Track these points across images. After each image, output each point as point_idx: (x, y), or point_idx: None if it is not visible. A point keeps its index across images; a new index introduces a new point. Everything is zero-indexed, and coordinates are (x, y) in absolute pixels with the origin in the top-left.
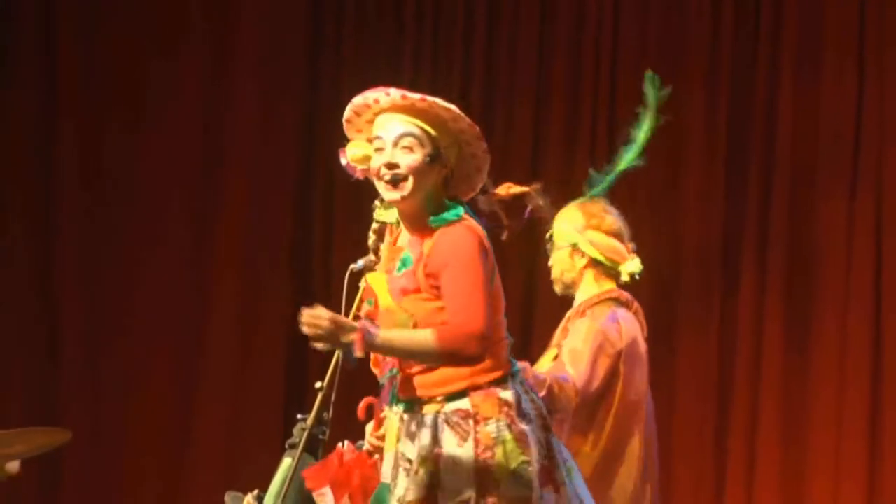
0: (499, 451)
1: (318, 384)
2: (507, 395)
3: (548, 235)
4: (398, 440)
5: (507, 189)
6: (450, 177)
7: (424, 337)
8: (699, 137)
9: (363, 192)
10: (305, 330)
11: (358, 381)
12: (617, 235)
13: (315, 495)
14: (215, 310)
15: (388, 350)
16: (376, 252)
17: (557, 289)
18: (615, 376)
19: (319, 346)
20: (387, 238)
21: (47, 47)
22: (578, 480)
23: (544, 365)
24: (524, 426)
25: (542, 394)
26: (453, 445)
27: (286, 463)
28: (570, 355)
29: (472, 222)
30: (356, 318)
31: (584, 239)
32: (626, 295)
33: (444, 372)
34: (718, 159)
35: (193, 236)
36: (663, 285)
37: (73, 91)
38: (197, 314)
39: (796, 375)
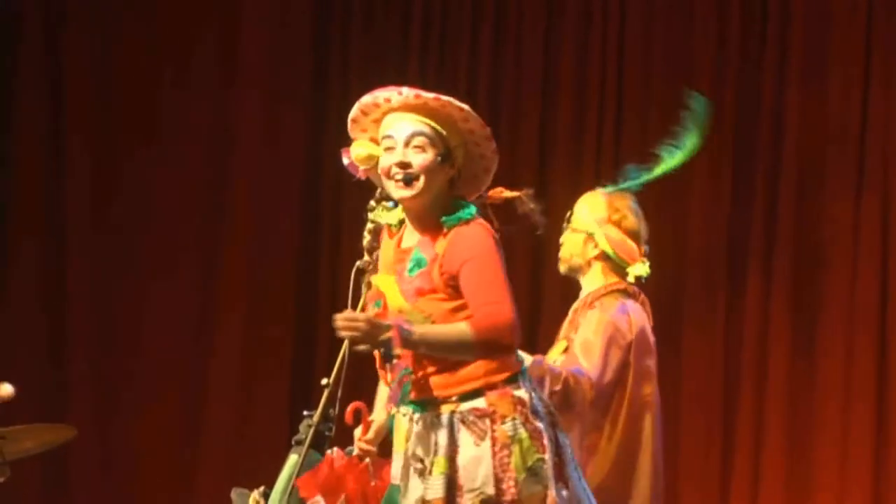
0: (515, 450)
1: (324, 381)
2: (521, 393)
3: (568, 214)
4: (407, 440)
5: (499, 193)
6: (456, 177)
7: (460, 329)
8: (706, 140)
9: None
10: (343, 333)
11: (362, 379)
12: (634, 236)
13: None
14: (223, 308)
15: (425, 345)
16: (371, 253)
17: (562, 268)
18: (626, 367)
19: (361, 348)
20: (385, 240)
21: (56, 64)
22: (581, 476)
23: (553, 357)
24: (538, 424)
25: (559, 388)
26: (470, 445)
27: (292, 459)
28: (581, 347)
29: (483, 221)
30: None
31: (601, 232)
32: (632, 287)
33: (460, 372)
34: (725, 162)
35: (202, 241)
36: (669, 288)
37: (83, 107)
38: (205, 313)
39: (802, 379)
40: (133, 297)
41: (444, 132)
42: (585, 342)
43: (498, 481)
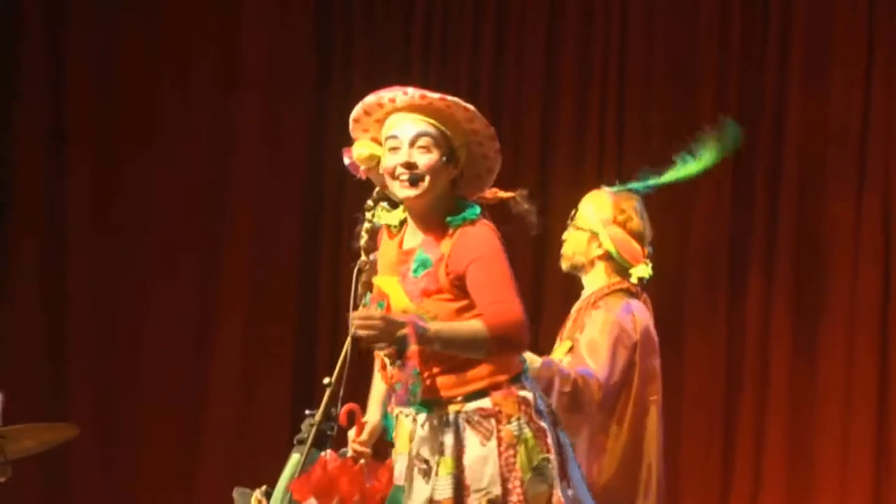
0: (521, 449)
1: (326, 380)
2: (525, 393)
3: (573, 212)
4: (411, 441)
5: (493, 193)
6: (458, 177)
7: (474, 326)
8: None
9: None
10: (360, 332)
11: (364, 378)
12: (638, 238)
13: None
14: (224, 308)
15: (439, 341)
16: (367, 253)
17: (564, 265)
18: (632, 368)
19: (380, 346)
20: (385, 240)
21: (57, 64)
22: (581, 476)
23: (558, 357)
24: (542, 423)
25: (568, 389)
26: (476, 445)
27: (294, 458)
28: (588, 347)
29: (488, 221)
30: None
31: (606, 232)
32: (635, 286)
33: (465, 372)
34: (726, 162)
35: (203, 241)
36: (670, 288)
37: (83, 107)
38: (206, 313)
39: (803, 380)
40: (134, 297)
41: (449, 132)
42: (591, 341)
43: (504, 481)
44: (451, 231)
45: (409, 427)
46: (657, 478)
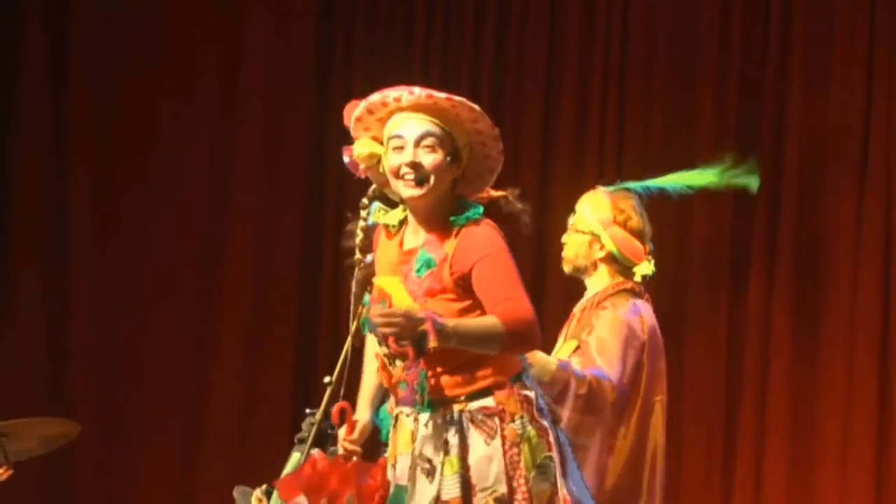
0: (525, 448)
1: (326, 379)
2: (527, 391)
3: (572, 217)
4: (413, 441)
5: (486, 193)
6: (460, 177)
7: (491, 322)
8: (708, 140)
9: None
10: (383, 330)
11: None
12: (639, 236)
13: None
14: (226, 308)
15: (457, 337)
16: (363, 252)
17: (566, 268)
18: (640, 368)
19: (403, 343)
20: (384, 240)
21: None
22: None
23: (562, 356)
24: (544, 422)
25: (583, 391)
26: (481, 443)
27: (295, 457)
28: (597, 347)
29: (491, 221)
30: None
31: (606, 233)
32: (638, 285)
33: (468, 371)
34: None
35: (205, 241)
36: (671, 289)
37: (84, 111)
38: (208, 313)
39: (804, 381)
40: (135, 297)
41: (453, 132)
42: (601, 342)
43: (509, 479)
44: (455, 231)
45: (411, 427)
46: (660, 479)
